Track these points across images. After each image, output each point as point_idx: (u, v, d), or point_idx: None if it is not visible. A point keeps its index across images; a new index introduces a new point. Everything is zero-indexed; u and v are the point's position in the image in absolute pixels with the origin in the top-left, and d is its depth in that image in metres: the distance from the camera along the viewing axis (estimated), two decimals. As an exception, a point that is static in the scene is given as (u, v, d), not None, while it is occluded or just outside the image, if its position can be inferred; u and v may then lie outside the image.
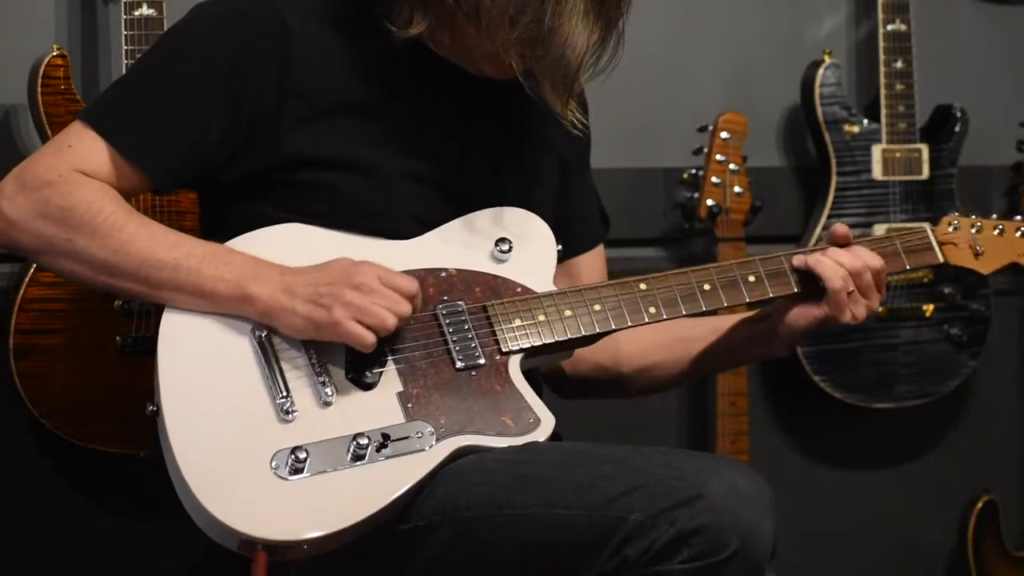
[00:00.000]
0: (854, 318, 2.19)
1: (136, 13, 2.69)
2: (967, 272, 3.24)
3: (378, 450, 1.97)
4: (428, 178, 2.15)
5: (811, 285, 2.21)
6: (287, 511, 1.92)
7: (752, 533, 1.86)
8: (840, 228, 2.22)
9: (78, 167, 2.06)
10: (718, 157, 3.12)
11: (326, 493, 1.94)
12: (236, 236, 2.09)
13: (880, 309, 3.24)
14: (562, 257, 2.24)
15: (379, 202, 2.12)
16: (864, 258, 2.20)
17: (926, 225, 2.30)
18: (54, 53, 2.68)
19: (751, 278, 2.20)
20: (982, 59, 3.48)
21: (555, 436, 2.10)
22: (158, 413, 1.99)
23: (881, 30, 3.24)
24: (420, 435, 1.99)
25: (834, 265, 2.18)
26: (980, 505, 3.40)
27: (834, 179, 3.23)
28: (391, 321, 1.98)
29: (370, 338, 1.98)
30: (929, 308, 3.28)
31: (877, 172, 3.25)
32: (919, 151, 3.27)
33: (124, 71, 2.64)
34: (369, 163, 2.12)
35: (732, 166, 3.12)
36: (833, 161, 3.23)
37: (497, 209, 2.17)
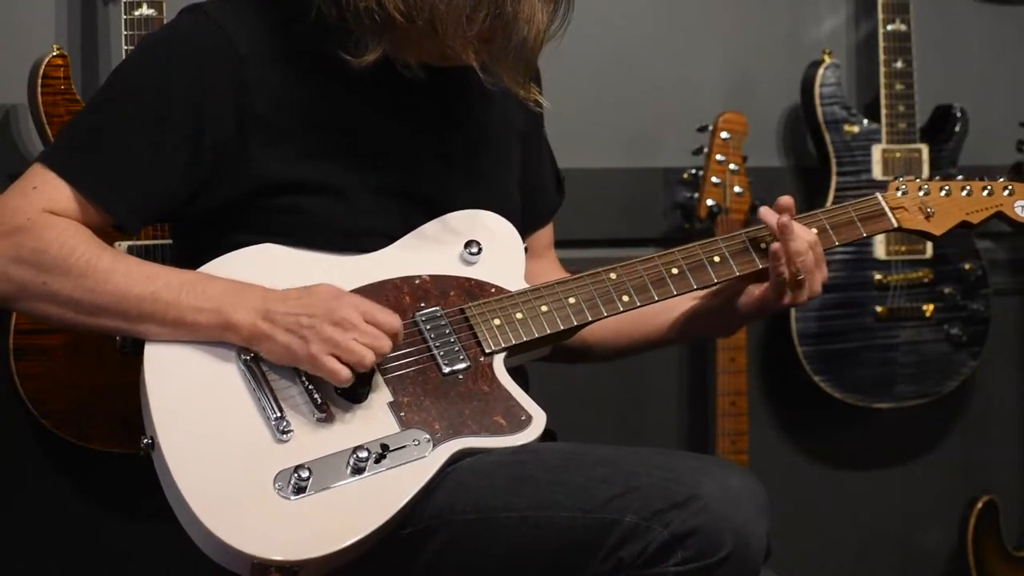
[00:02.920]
0: (794, 300, 2.18)
1: (136, 13, 2.69)
2: (967, 272, 3.30)
3: (377, 461, 1.96)
4: (396, 190, 2.14)
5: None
6: (296, 531, 1.92)
7: (746, 534, 1.86)
8: (784, 200, 2.20)
9: (46, 207, 2.04)
10: (718, 157, 3.12)
11: (332, 509, 1.93)
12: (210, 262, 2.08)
13: (880, 309, 3.25)
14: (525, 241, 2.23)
15: (349, 219, 2.11)
16: (804, 237, 2.17)
17: (877, 193, 2.30)
18: (54, 53, 2.68)
19: (716, 258, 2.20)
20: (982, 59, 3.48)
21: (551, 436, 2.11)
22: (153, 446, 1.98)
23: (881, 30, 3.24)
24: (417, 443, 1.99)
25: (783, 252, 2.15)
26: (980, 505, 3.40)
27: (834, 179, 3.23)
28: (369, 359, 1.97)
29: (345, 374, 1.97)
30: (929, 308, 3.28)
31: (877, 172, 3.24)
32: (919, 151, 3.27)
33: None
34: (335, 181, 2.11)
35: (732, 166, 3.12)
36: (833, 161, 3.23)
37: (462, 212, 2.17)
